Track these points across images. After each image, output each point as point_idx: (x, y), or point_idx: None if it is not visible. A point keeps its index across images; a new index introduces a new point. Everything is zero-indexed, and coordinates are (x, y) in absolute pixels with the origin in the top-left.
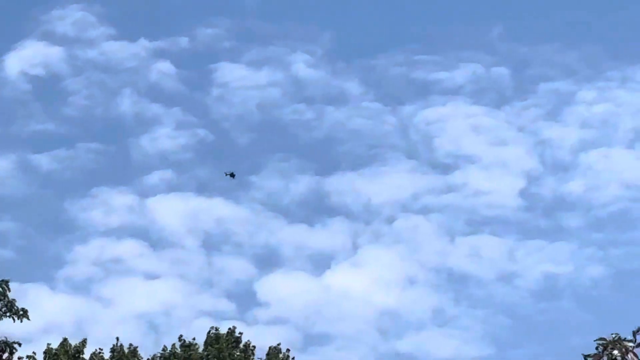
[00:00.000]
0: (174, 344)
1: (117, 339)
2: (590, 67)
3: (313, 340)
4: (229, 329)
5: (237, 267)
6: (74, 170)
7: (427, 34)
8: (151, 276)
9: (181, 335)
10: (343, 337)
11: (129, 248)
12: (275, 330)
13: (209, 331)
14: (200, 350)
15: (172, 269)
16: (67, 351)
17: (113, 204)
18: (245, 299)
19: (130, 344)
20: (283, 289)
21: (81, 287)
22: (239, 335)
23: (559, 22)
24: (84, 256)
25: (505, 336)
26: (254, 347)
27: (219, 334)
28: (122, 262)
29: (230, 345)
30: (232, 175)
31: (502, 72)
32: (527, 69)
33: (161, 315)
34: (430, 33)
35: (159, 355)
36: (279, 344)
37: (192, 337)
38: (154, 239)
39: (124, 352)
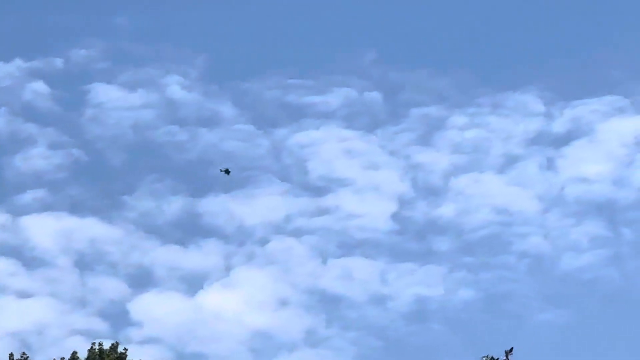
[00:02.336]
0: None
1: (11, 355)
2: (462, 93)
3: None
4: (112, 344)
5: (110, 287)
6: None
7: (300, 58)
8: (24, 295)
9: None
10: (216, 357)
11: (1, 267)
12: (148, 350)
13: (91, 347)
14: None
15: (45, 288)
16: None
17: None
18: (118, 318)
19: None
20: (156, 308)
21: None
22: (124, 351)
23: (431, 48)
24: None
25: (377, 358)
26: None
27: (103, 349)
28: None
29: None
30: (227, 171)
31: (374, 96)
32: (400, 94)
33: (34, 334)
34: (304, 57)
35: None
36: None
37: (74, 352)
38: (27, 258)
39: None
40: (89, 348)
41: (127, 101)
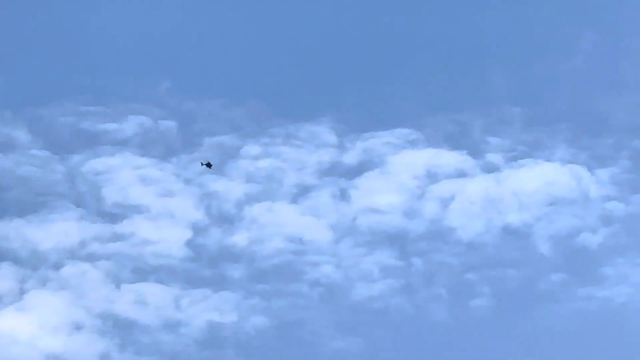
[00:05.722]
0: None
1: None
2: (255, 123)
3: None
4: None
5: None
6: None
7: (96, 85)
8: None
9: None
10: None
11: None
12: None
13: None
14: None
15: None
16: None
17: None
18: None
19: None
20: None
21: None
22: None
23: (225, 79)
24: None
25: None
26: None
27: None
28: None
29: None
30: (209, 165)
31: (169, 125)
32: (194, 123)
33: None
34: (99, 84)
35: None
36: None
37: None
38: None
39: None
40: None
41: None
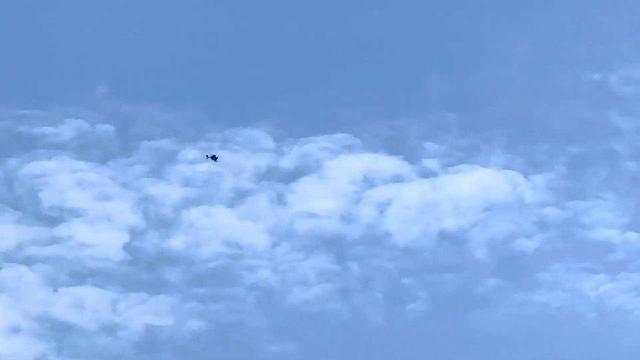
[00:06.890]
0: None
1: None
2: (192, 127)
3: None
4: None
5: None
6: None
7: (32, 88)
8: None
9: None
10: None
11: None
12: None
13: None
14: None
15: None
16: None
17: None
18: None
19: None
20: None
21: None
22: None
23: (162, 83)
24: None
25: None
26: None
27: None
28: None
29: None
30: (214, 157)
31: (107, 129)
32: (131, 127)
33: None
34: (35, 88)
35: None
36: None
37: None
38: None
39: None
40: None
41: None
